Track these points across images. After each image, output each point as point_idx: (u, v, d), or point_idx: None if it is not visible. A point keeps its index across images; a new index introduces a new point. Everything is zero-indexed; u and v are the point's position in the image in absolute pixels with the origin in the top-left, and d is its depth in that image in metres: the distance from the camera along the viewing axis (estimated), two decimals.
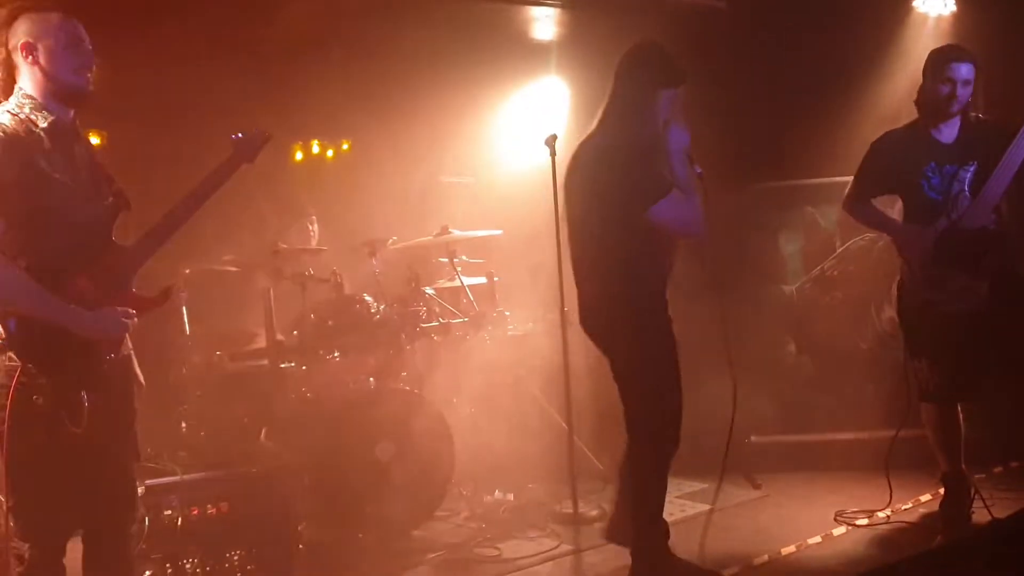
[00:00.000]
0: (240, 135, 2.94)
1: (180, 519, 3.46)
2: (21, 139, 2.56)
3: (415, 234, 5.10)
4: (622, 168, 3.42)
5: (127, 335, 2.78)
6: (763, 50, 5.41)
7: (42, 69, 2.63)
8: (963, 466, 4.09)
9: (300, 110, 5.62)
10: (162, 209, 2.83)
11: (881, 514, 4.26)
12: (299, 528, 3.69)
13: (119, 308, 2.68)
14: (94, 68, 2.70)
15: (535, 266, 4.96)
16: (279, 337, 4.62)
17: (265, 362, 4.61)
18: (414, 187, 5.72)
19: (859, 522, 4.23)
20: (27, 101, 2.63)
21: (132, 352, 2.86)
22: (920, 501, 4.42)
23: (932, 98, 3.91)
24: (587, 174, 3.52)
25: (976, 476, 4.27)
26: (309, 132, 6.11)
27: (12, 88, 2.67)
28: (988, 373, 4.04)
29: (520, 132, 6.05)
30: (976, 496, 4.03)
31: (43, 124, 2.62)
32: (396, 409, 4.38)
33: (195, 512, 3.48)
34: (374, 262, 4.94)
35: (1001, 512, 3.94)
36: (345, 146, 6.19)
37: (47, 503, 2.62)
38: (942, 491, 4.15)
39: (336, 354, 4.59)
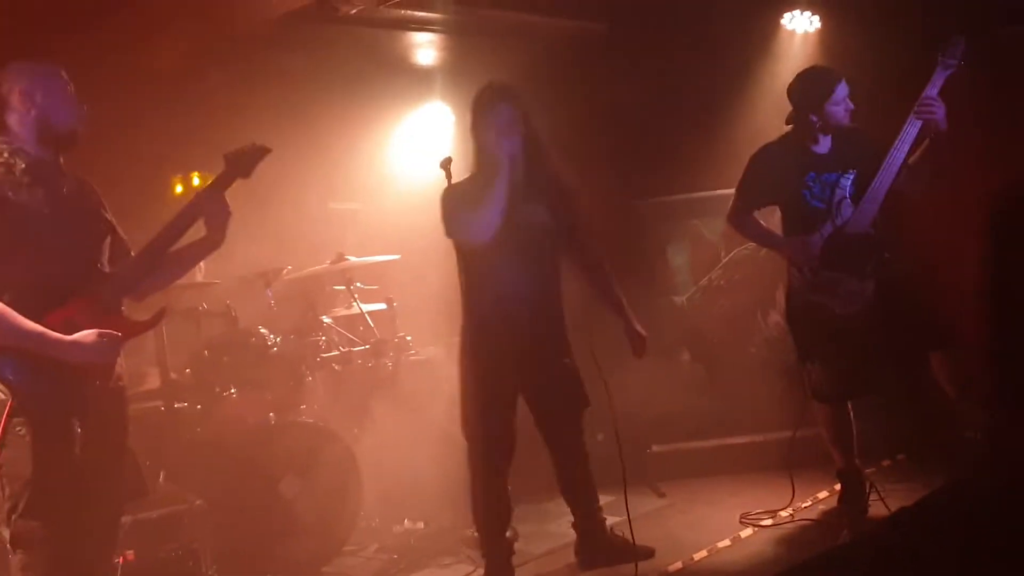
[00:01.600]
0: (233, 150, 2.97)
1: None
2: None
3: (309, 263, 4.98)
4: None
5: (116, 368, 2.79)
6: (642, 70, 5.53)
7: (39, 115, 2.72)
8: (857, 461, 4.25)
9: (178, 141, 5.43)
10: None
11: (784, 513, 4.37)
12: (208, 573, 3.52)
13: (101, 331, 2.64)
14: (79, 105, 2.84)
15: (434, 290, 4.92)
16: (172, 376, 4.44)
17: (159, 403, 4.40)
18: (304, 216, 5.58)
19: (764, 522, 4.32)
20: (4, 147, 2.68)
21: (125, 386, 2.89)
22: (819, 498, 4.54)
23: (825, 121, 4.01)
24: None
25: (868, 470, 4.42)
26: (189, 164, 5.89)
27: None
28: (876, 370, 4.21)
29: (408, 157, 6.02)
30: (872, 489, 4.18)
31: (22, 165, 2.66)
32: (299, 443, 4.27)
33: None
34: (269, 293, 4.80)
35: (894, 504, 4.07)
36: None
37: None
38: (839, 487, 4.30)
39: (233, 390, 4.43)
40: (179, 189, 6.01)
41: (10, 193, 2.61)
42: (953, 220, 4.73)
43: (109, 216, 2.93)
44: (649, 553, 3.97)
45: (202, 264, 5.23)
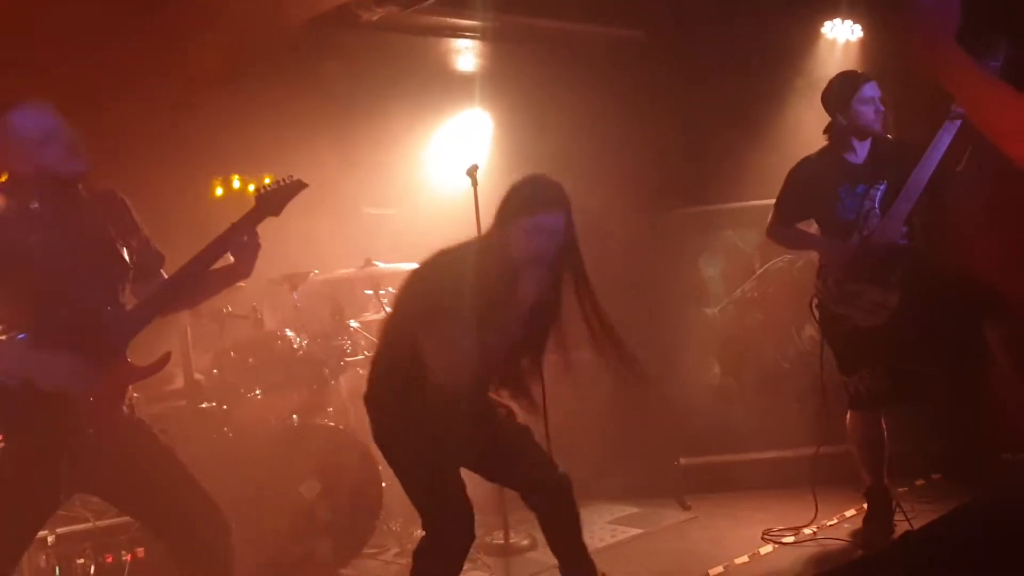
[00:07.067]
0: (265, 188, 2.92)
1: (93, 567, 3.37)
2: (4, 220, 2.60)
3: (338, 267, 5.05)
4: None
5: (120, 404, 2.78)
6: (680, 78, 5.51)
7: (38, 167, 2.66)
8: (886, 480, 4.17)
9: (218, 145, 5.54)
10: None
11: (807, 531, 4.31)
12: None
13: (74, 358, 2.59)
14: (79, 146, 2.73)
15: None
16: (197, 376, 4.52)
17: (183, 402, 4.50)
18: (338, 219, 5.65)
19: (786, 540, 4.27)
20: (13, 188, 2.66)
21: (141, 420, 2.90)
22: (845, 516, 4.47)
23: (853, 123, 4.01)
24: None
25: (899, 489, 4.36)
26: (229, 167, 6.01)
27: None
28: (914, 380, 4.13)
29: (443, 163, 6.05)
30: (898, 509, 4.11)
31: (35, 206, 2.65)
32: (321, 446, 4.31)
33: (109, 559, 3.39)
34: (295, 296, 4.87)
35: (921, 524, 4.00)
36: (267, 180, 6.09)
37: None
38: (866, 506, 4.23)
39: (258, 392, 4.50)
40: (219, 191, 6.13)
41: (13, 237, 2.60)
42: (1001, 222, 4.63)
43: (130, 244, 2.87)
44: None
45: None
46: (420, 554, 3.16)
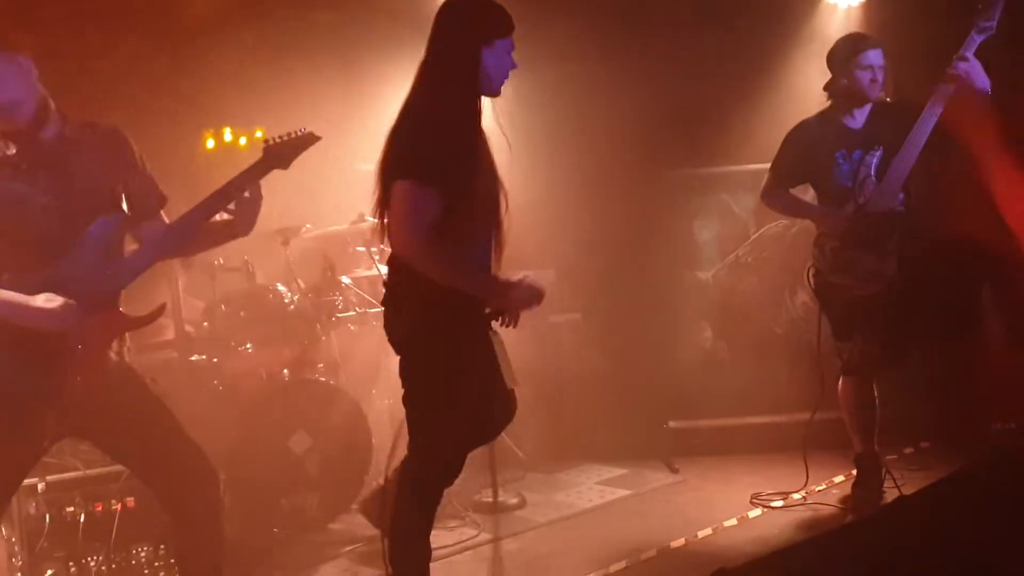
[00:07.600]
0: (275, 140, 2.83)
1: (83, 515, 3.38)
2: None
3: (331, 222, 5.02)
4: None
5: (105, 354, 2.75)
6: (678, 37, 5.45)
7: None
8: (876, 447, 4.21)
9: (211, 96, 5.48)
10: None
11: (796, 496, 4.34)
12: None
13: (64, 302, 2.57)
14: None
15: None
16: (188, 328, 4.52)
17: (174, 354, 4.49)
18: (330, 174, 5.61)
19: (775, 504, 4.30)
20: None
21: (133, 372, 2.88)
22: (834, 482, 4.51)
23: (851, 87, 4.01)
24: None
25: (888, 457, 4.39)
26: (221, 119, 5.95)
27: None
28: (907, 345, 4.15)
29: None
30: (887, 476, 4.15)
31: (11, 152, 2.61)
32: (311, 400, 4.33)
33: (99, 508, 3.40)
34: (287, 251, 4.86)
35: (911, 491, 4.04)
36: (259, 133, 6.04)
37: None
38: (855, 472, 4.27)
39: (248, 346, 4.50)
40: (211, 143, 6.08)
41: None
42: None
43: (128, 184, 2.81)
44: None
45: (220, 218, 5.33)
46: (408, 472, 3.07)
